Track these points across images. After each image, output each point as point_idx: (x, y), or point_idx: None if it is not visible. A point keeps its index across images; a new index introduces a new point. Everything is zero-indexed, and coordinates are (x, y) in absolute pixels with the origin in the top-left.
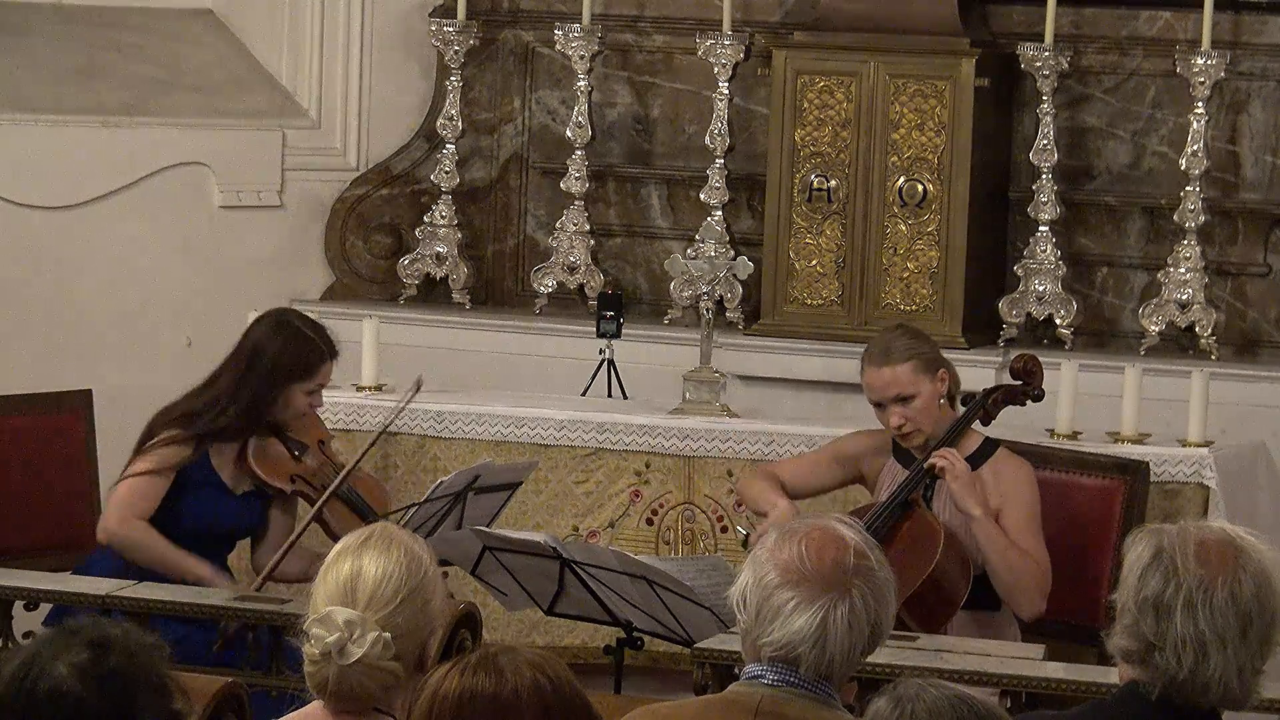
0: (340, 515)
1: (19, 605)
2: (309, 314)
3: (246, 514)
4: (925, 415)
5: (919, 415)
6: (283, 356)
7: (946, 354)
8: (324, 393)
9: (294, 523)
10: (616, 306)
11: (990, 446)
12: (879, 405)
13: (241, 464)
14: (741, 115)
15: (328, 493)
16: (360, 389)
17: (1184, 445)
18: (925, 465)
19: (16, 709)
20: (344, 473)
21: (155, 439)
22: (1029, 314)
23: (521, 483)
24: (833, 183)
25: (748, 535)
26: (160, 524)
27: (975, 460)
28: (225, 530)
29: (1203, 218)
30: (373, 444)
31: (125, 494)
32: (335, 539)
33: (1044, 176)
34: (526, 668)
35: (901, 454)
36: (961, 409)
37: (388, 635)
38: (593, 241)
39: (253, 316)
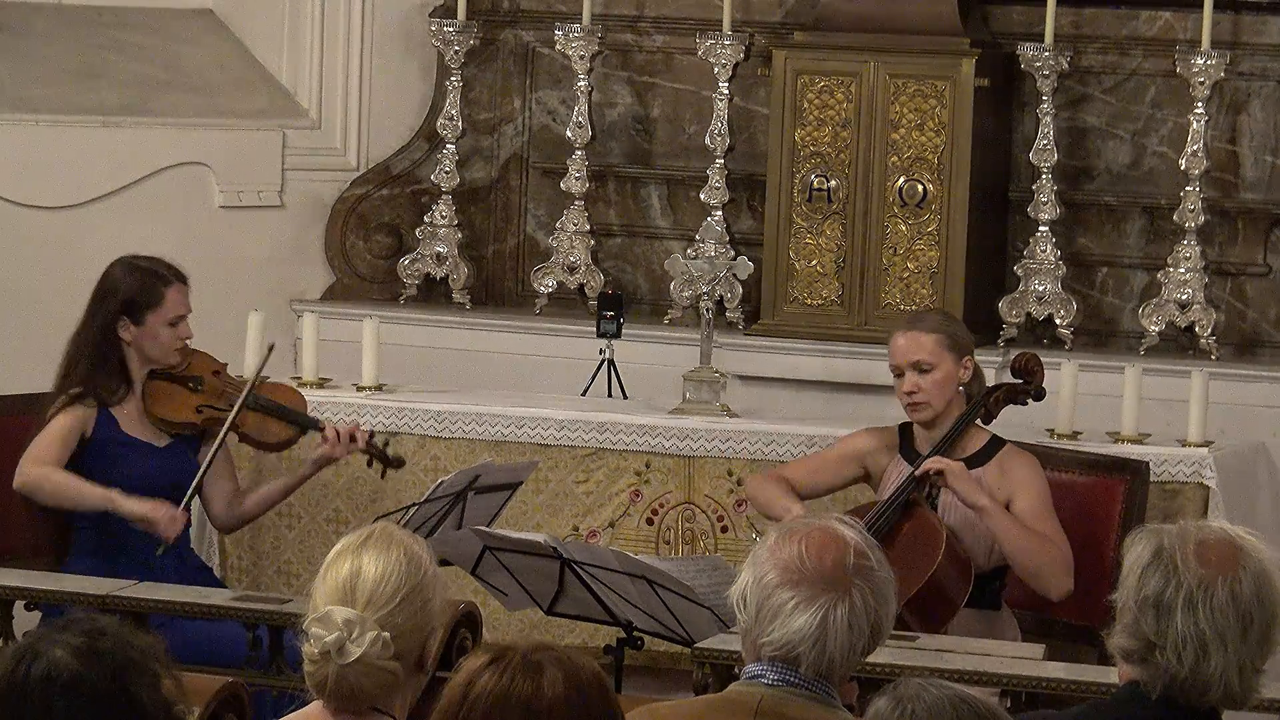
0: (257, 423)
1: (19, 605)
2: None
3: (175, 463)
4: (938, 391)
5: (932, 389)
6: (128, 290)
7: None
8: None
9: (228, 451)
10: (616, 306)
11: (996, 444)
12: (898, 373)
13: (145, 416)
14: (741, 115)
15: (236, 406)
16: (360, 389)
17: (1184, 445)
18: (917, 474)
19: (14, 692)
20: (250, 383)
21: (49, 410)
22: (1029, 314)
23: (521, 483)
24: (833, 183)
25: None
26: None
27: (982, 458)
28: (162, 486)
29: (1203, 218)
30: (267, 356)
31: (33, 447)
32: (261, 448)
33: (1044, 176)
34: (563, 682)
35: (908, 451)
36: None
37: (387, 635)
38: (593, 241)
39: (253, 318)
